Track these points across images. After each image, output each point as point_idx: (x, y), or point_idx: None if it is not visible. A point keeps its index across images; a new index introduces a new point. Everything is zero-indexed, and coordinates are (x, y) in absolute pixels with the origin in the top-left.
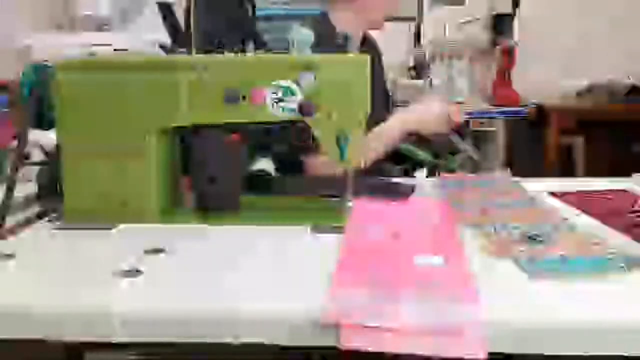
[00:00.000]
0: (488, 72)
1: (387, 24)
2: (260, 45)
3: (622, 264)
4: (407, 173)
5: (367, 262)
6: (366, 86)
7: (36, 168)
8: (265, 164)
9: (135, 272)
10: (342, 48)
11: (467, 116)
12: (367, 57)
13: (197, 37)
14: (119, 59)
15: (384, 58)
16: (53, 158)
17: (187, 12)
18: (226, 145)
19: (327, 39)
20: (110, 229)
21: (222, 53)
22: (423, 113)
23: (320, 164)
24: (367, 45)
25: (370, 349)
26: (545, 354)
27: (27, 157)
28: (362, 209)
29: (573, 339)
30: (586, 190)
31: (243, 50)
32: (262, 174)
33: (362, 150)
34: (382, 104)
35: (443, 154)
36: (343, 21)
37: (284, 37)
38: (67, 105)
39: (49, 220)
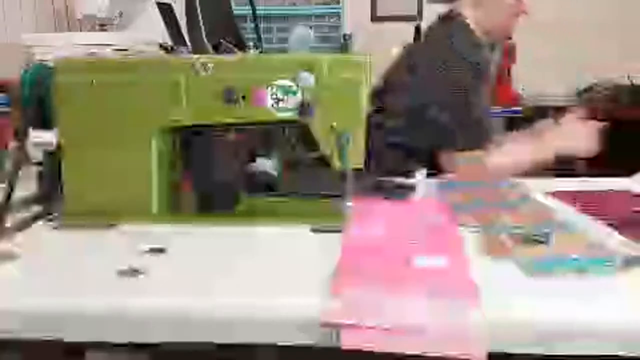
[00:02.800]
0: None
1: (387, 24)
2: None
3: (622, 264)
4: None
5: (367, 262)
6: (366, 86)
7: (36, 168)
8: (265, 164)
9: (135, 272)
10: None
11: None
12: (367, 58)
13: (198, 37)
14: (119, 59)
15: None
16: (53, 158)
17: (189, 10)
18: (226, 145)
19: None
20: (110, 228)
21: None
22: (573, 136)
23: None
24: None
25: (371, 349)
26: (545, 354)
27: (27, 157)
28: (362, 209)
29: (573, 338)
30: (586, 190)
31: (242, 49)
32: (263, 174)
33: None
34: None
35: None
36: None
37: (284, 37)
38: (67, 105)
39: (49, 220)
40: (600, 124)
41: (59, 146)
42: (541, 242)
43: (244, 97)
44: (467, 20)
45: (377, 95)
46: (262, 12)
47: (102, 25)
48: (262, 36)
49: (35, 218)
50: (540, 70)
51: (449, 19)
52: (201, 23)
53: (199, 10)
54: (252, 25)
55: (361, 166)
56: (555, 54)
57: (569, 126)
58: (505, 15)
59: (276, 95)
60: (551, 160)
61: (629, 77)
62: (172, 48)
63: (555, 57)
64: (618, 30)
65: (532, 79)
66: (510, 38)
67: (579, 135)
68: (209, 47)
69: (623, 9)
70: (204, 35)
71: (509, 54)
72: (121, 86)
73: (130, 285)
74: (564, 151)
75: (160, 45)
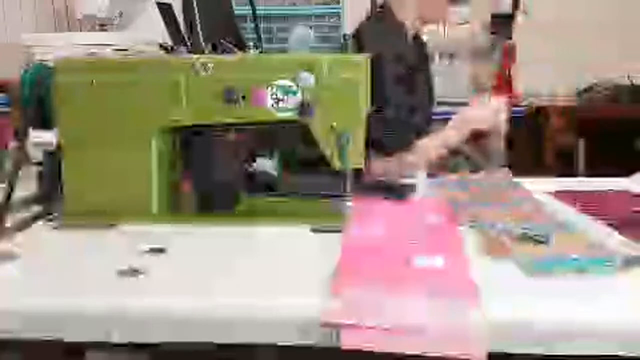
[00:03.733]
0: (488, 72)
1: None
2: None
3: (622, 264)
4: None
5: (367, 262)
6: (366, 86)
7: (36, 168)
8: (265, 164)
9: (135, 272)
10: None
11: None
12: (367, 58)
13: (195, 37)
14: (119, 59)
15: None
16: (53, 158)
17: (185, 10)
18: (226, 145)
19: (392, 29)
20: (110, 228)
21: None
22: (482, 111)
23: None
24: (418, 42)
25: (371, 349)
26: (545, 354)
27: (27, 157)
28: (362, 209)
29: (573, 338)
30: (586, 190)
31: (242, 49)
32: (263, 174)
33: (425, 150)
34: (427, 102)
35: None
36: (402, 11)
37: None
38: (67, 105)
39: (49, 220)
40: (509, 100)
41: (59, 146)
42: (541, 242)
43: (244, 97)
44: (401, 18)
45: None
46: (262, 12)
47: (102, 25)
48: (262, 36)
49: (35, 218)
50: (540, 70)
51: (382, 17)
52: (198, 22)
53: (196, 10)
54: (252, 25)
55: (361, 166)
56: (555, 54)
57: (480, 103)
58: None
59: (276, 95)
60: (465, 133)
61: (629, 77)
62: (172, 48)
63: (555, 57)
64: (618, 30)
65: (532, 79)
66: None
67: (489, 112)
68: (205, 46)
69: (623, 9)
70: (200, 35)
71: (509, 54)
72: (121, 86)
73: (130, 285)
74: (475, 125)
75: (160, 45)
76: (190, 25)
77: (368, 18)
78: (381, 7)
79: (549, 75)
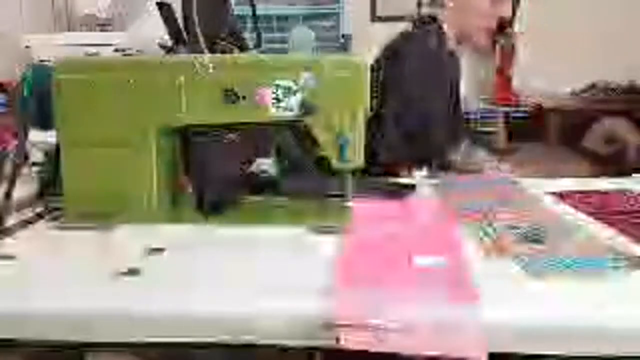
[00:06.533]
0: (488, 73)
1: (385, 24)
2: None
3: (622, 264)
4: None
5: (367, 262)
6: (366, 86)
7: (36, 168)
8: (265, 164)
9: (135, 272)
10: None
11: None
12: (367, 59)
13: (195, 37)
14: (119, 59)
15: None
16: (53, 158)
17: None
18: (226, 145)
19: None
20: (110, 228)
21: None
22: None
23: None
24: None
25: (370, 349)
26: (545, 354)
27: (27, 157)
28: (362, 209)
29: (573, 338)
30: (586, 190)
31: (240, 48)
32: (263, 174)
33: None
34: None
35: None
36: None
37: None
38: (67, 105)
39: (49, 220)
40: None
41: (58, 146)
42: (541, 242)
43: (244, 97)
44: (445, 27)
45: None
46: (262, 12)
47: (102, 25)
48: (262, 36)
49: (35, 218)
50: (540, 71)
51: (427, 24)
52: (196, 22)
53: (194, 11)
54: (252, 25)
55: (361, 166)
56: (555, 54)
57: None
58: (480, 22)
59: (276, 95)
60: None
61: (629, 77)
62: (172, 48)
63: (555, 58)
64: (618, 30)
65: (532, 79)
66: (490, 46)
67: None
68: (204, 47)
69: (623, 9)
70: (199, 35)
71: (509, 55)
72: (121, 86)
73: (130, 285)
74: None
75: (161, 45)
76: (189, 25)
77: (414, 23)
78: (430, 17)
79: (550, 76)
